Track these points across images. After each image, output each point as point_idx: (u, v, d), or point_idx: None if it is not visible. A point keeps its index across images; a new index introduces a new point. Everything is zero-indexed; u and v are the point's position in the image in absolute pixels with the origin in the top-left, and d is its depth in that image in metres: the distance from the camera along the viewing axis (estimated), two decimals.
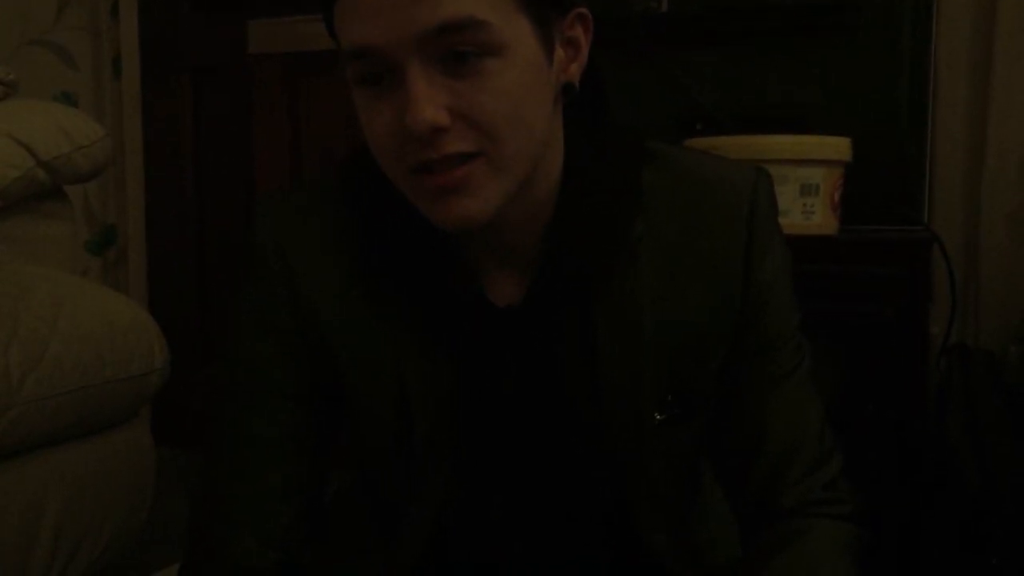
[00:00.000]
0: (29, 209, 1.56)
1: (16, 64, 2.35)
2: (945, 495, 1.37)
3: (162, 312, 2.05)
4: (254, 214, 0.85)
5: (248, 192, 2.50)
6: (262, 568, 0.84)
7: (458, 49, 0.68)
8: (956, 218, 1.72)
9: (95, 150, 1.58)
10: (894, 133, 1.69)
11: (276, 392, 0.85)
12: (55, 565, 1.30)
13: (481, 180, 0.71)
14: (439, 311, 0.80)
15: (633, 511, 0.85)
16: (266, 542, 0.85)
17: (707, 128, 1.70)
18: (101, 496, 1.39)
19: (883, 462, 1.44)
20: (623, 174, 0.80)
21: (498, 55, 0.69)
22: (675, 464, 0.86)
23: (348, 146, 2.34)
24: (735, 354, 0.83)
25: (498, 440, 0.84)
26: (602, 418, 0.82)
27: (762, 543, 0.83)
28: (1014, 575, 1.20)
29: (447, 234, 0.78)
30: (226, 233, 2.55)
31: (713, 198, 0.82)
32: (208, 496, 0.87)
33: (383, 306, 0.81)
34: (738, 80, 1.77)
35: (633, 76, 1.79)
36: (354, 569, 0.91)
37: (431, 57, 0.68)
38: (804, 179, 1.49)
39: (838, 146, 1.52)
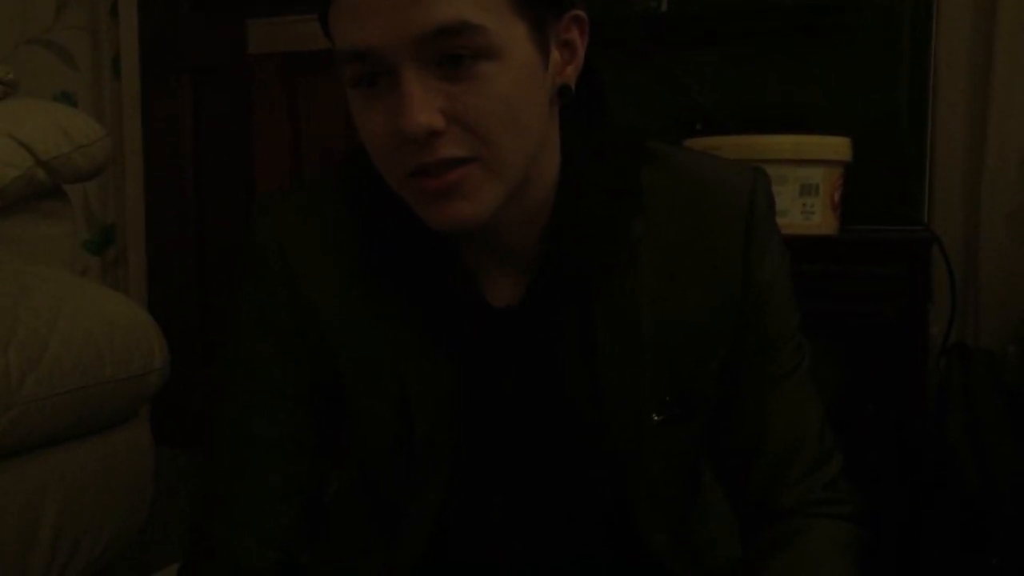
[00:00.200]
0: (29, 209, 1.56)
1: (15, 64, 2.35)
2: (945, 495, 1.37)
3: (162, 312, 2.05)
4: (254, 214, 0.85)
5: (248, 192, 2.50)
6: (262, 568, 0.84)
7: (453, 52, 0.68)
8: (956, 218, 1.72)
9: (95, 150, 1.58)
10: (894, 133, 1.69)
11: (276, 392, 0.85)
12: (54, 565, 1.30)
13: (476, 183, 0.71)
14: (438, 312, 0.81)
15: (633, 511, 0.85)
16: (266, 542, 0.85)
17: (707, 128, 1.70)
18: (101, 496, 1.39)
19: (883, 462, 1.44)
20: (621, 174, 0.80)
21: (493, 58, 0.69)
22: (675, 464, 0.86)
23: (348, 146, 2.34)
24: (735, 354, 0.83)
25: (498, 440, 0.84)
26: (602, 418, 0.82)
27: (762, 543, 0.83)
28: (1014, 575, 1.20)
29: (445, 235, 0.78)
30: (226, 233, 2.55)
31: (712, 198, 0.82)
32: (208, 496, 0.87)
33: (383, 306, 0.81)
34: (738, 80, 1.77)
35: (633, 76, 1.79)
36: (354, 569, 0.91)
37: (426, 60, 0.68)
38: (804, 179, 1.49)
39: (838, 146, 1.52)
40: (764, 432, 0.84)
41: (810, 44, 1.72)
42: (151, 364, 1.44)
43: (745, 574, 0.83)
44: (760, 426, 0.84)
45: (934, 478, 1.41)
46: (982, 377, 1.48)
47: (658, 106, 1.78)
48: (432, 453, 0.83)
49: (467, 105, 0.69)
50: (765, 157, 1.45)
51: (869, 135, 1.63)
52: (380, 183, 0.76)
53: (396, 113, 0.69)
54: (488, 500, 0.86)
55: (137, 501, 1.47)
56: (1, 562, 1.22)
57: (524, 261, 0.81)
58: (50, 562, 1.30)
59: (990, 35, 1.66)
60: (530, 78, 0.72)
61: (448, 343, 0.81)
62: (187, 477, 2.07)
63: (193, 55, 2.54)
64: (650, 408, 0.81)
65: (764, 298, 0.82)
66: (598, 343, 0.80)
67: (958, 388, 1.46)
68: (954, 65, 1.70)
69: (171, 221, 2.61)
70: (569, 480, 0.85)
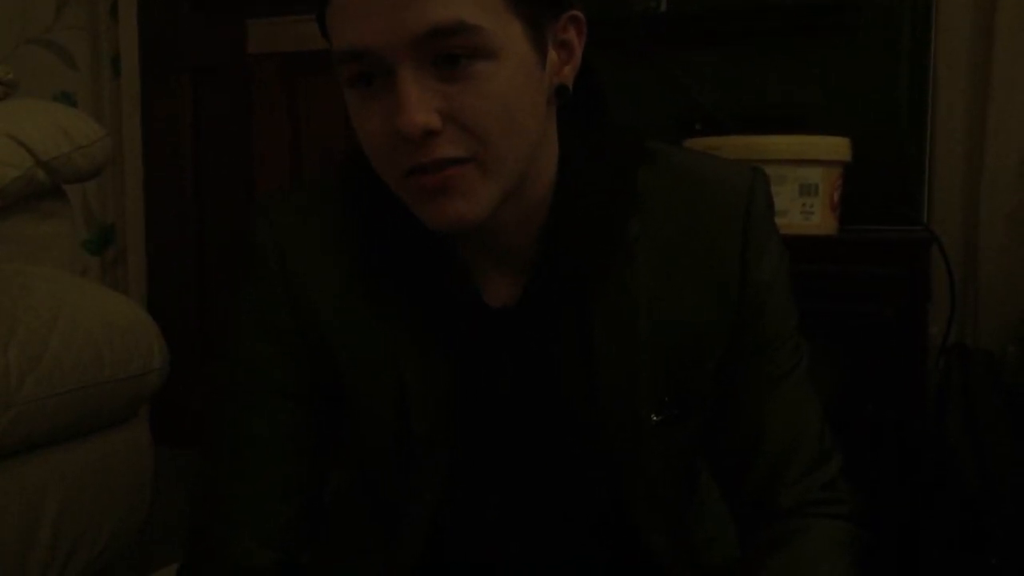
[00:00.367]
0: (28, 209, 1.56)
1: (15, 64, 2.35)
2: (944, 495, 1.37)
3: (161, 312, 2.05)
4: (253, 214, 0.85)
5: (248, 192, 2.50)
6: (262, 568, 0.84)
7: (449, 52, 0.68)
8: (956, 218, 1.72)
9: (95, 150, 1.58)
10: (894, 133, 1.69)
11: (276, 392, 0.85)
12: (54, 564, 1.30)
13: (472, 182, 0.71)
14: (436, 312, 0.81)
15: (630, 511, 0.85)
16: (266, 542, 0.85)
17: (707, 128, 1.70)
18: (100, 496, 1.39)
19: (883, 462, 1.44)
20: (619, 174, 0.80)
21: (490, 58, 0.69)
22: (672, 464, 0.86)
23: (347, 146, 2.34)
24: (732, 354, 0.83)
25: (495, 440, 0.84)
26: (599, 418, 0.82)
27: (760, 543, 0.83)
28: (1014, 575, 1.21)
29: (443, 235, 0.78)
30: (226, 233, 2.55)
31: (710, 198, 0.82)
32: (208, 496, 0.87)
33: (382, 306, 0.81)
34: (738, 80, 1.77)
35: (633, 76, 1.79)
36: (353, 569, 0.91)
37: (423, 60, 0.68)
38: (803, 179, 1.49)
39: (837, 146, 1.52)
40: (762, 432, 0.84)
41: (810, 44, 1.72)
42: (151, 364, 1.44)
43: (743, 574, 0.83)
44: (758, 426, 0.84)
45: (934, 478, 1.41)
46: (982, 377, 1.48)
47: (658, 106, 1.78)
48: (430, 453, 0.83)
49: (464, 105, 0.69)
50: (765, 157, 1.45)
51: (869, 135, 1.63)
52: (379, 183, 0.76)
53: (393, 113, 0.69)
54: (486, 500, 0.86)
55: (137, 501, 1.47)
56: (1, 562, 1.22)
57: (521, 261, 0.81)
58: (50, 562, 1.30)
59: (990, 35, 1.66)
60: (527, 78, 0.72)
61: (446, 343, 0.81)
62: (187, 477, 2.07)
63: (193, 55, 2.54)
64: (648, 408, 0.81)
65: (762, 298, 0.82)
66: (595, 343, 0.80)
67: (958, 388, 1.46)
68: (954, 65, 1.70)
69: (171, 221, 2.61)
70: (566, 480, 0.85)
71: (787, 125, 1.56)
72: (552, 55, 0.75)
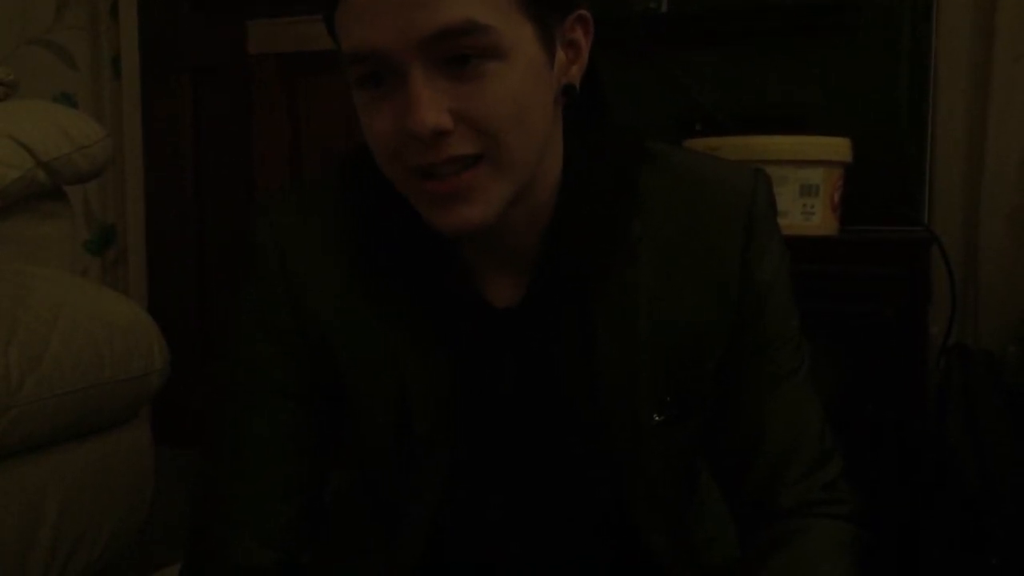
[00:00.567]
0: (29, 209, 1.56)
1: (16, 64, 2.35)
2: (945, 495, 1.37)
3: (162, 312, 2.05)
4: (254, 214, 0.85)
5: (248, 192, 2.50)
6: (263, 568, 0.84)
7: (460, 53, 0.68)
8: (956, 218, 1.72)
9: (95, 150, 1.58)
10: (894, 133, 1.69)
11: (276, 392, 0.85)
12: (54, 565, 1.30)
13: (484, 184, 0.71)
14: (438, 312, 0.81)
15: (631, 511, 0.85)
16: (266, 542, 0.85)
17: (707, 128, 1.70)
18: (101, 496, 1.39)
19: (883, 462, 1.44)
20: (621, 175, 0.81)
21: (500, 58, 0.69)
22: (673, 464, 0.86)
23: (348, 146, 2.34)
24: (733, 354, 0.83)
25: (496, 440, 0.84)
26: (600, 418, 0.82)
27: (761, 543, 0.83)
28: (1014, 575, 1.20)
29: (446, 236, 0.78)
30: (226, 233, 2.55)
31: (712, 199, 0.82)
32: (208, 496, 0.87)
33: (383, 306, 0.81)
34: (738, 80, 1.77)
35: (633, 76, 1.79)
36: (354, 569, 0.91)
37: (433, 60, 0.68)
38: (804, 180, 1.49)
39: (838, 146, 1.52)
40: (763, 432, 0.84)
41: (810, 44, 1.72)
42: (151, 365, 1.44)
43: (744, 574, 0.83)
44: (759, 426, 0.84)
45: (934, 478, 1.41)
46: (982, 377, 1.48)
47: (658, 106, 1.78)
48: (431, 453, 0.83)
49: (475, 105, 0.69)
50: (765, 157, 1.45)
51: (869, 135, 1.63)
52: (380, 183, 0.76)
53: (403, 113, 0.69)
54: (487, 500, 0.86)
55: (137, 501, 1.48)
56: (1, 562, 1.22)
57: (524, 262, 0.81)
58: (50, 562, 1.30)
59: (990, 35, 1.66)
60: (537, 77, 0.72)
61: (447, 343, 0.81)
62: (187, 477, 2.07)
63: (193, 55, 2.54)
64: (649, 408, 0.81)
65: (763, 298, 0.82)
66: (596, 343, 0.80)
67: (958, 388, 1.46)
68: (954, 65, 1.70)
69: (171, 221, 2.61)
70: (567, 480, 0.85)
71: (787, 125, 1.56)
72: (560, 54, 0.75)
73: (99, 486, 1.38)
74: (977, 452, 1.34)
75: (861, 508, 0.85)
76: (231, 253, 2.53)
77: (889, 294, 1.45)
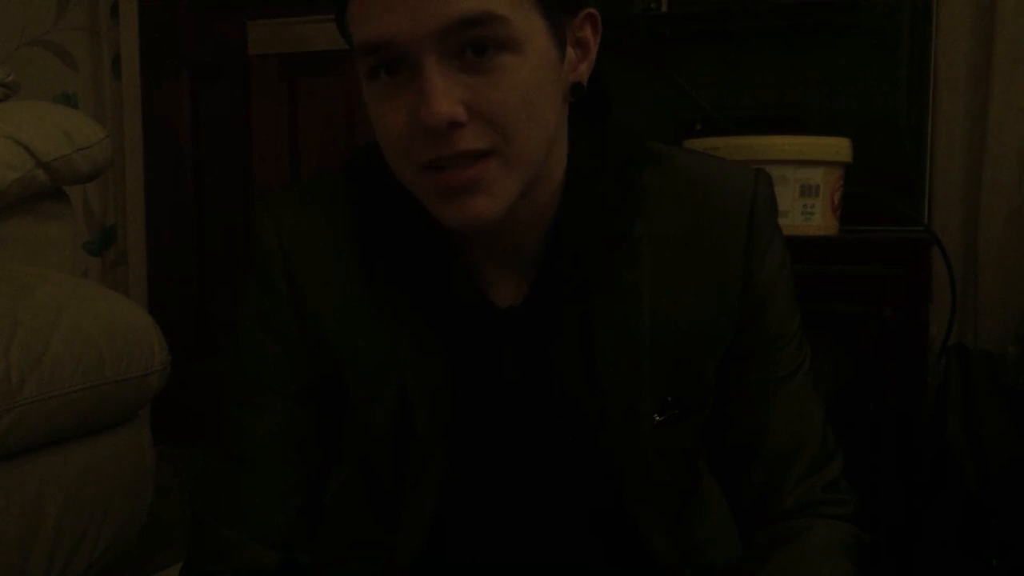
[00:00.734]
0: (29, 210, 1.56)
1: (16, 65, 2.36)
2: (945, 495, 1.37)
3: (162, 312, 2.05)
4: (257, 213, 0.85)
5: (247, 192, 2.51)
6: (264, 568, 0.85)
7: (476, 43, 0.68)
8: (956, 218, 1.72)
9: (95, 151, 1.58)
10: (894, 133, 1.69)
11: (278, 391, 0.85)
12: (54, 565, 1.30)
13: (494, 178, 0.71)
14: (441, 311, 0.81)
15: (632, 511, 0.85)
16: (267, 542, 0.85)
17: (707, 128, 1.70)
18: (101, 496, 1.38)
19: (883, 462, 1.44)
20: (624, 175, 0.81)
21: (514, 51, 0.69)
22: (673, 464, 0.86)
23: (347, 146, 2.34)
24: (735, 354, 0.83)
25: (497, 440, 0.84)
26: (601, 418, 0.82)
27: (762, 543, 0.83)
28: (1014, 575, 1.21)
29: (449, 234, 0.78)
30: (226, 233, 2.55)
31: (713, 199, 0.82)
32: (209, 495, 0.87)
33: (385, 305, 0.81)
34: (738, 80, 1.77)
35: (633, 76, 1.79)
36: (354, 568, 0.91)
37: (448, 52, 0.68)
38: (804, 180, 1.49)
39: (838, 147, 1.52)
40: (765, 432, 0.84)
41: (810, 44, 1.72)
42: (151, 365, 1.44)
43: (745, 574, 0.83)
44: (761, 426, 0.84)
45: (934, 478, 1.41)
46: (982, 377, 1.48)
47: (658, 106, 1.78)
48: (432, 452, 0.83)
49: (488, 97, 0.69)
50: (765, 157, 1.45)
51: (869, 135, 1.63)
52: (384, 182, 0.77)
53: (416, 104, 0.69)
54: (486, 499, 0.86)
55: (137, 502, 1.47)
56: (1, 563, 1.22)
57: (526, 261, 0.81)
58: (50, 562, 1.30)
59: (990, 35, 1.66)
60: (548, 73, 0.72)
61: (450, 342, 0.81)
62: (187, 477, 2.07)
63: (193, 55, 2.54)
64: (649, 408, 0.82)
65: (764, 299, 0.82)
66: (598, 342, 0.80)
67: (958, 388, 1.46)
68: (954, 65, 1.70)
69: (171, 221, 2.61)
70: (568, 480, 0.85)
71: (787, 125, 1.56)
72: (569, 52, 0.75)
73: (99, 486, 1.38)
74: (977, 452, 1.34)
75: (861, 508, 0.85)
76: (231, 253, 2.53)
77: (889, 294, 1.45)
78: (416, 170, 0.72)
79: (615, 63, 0.81)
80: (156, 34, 2.56)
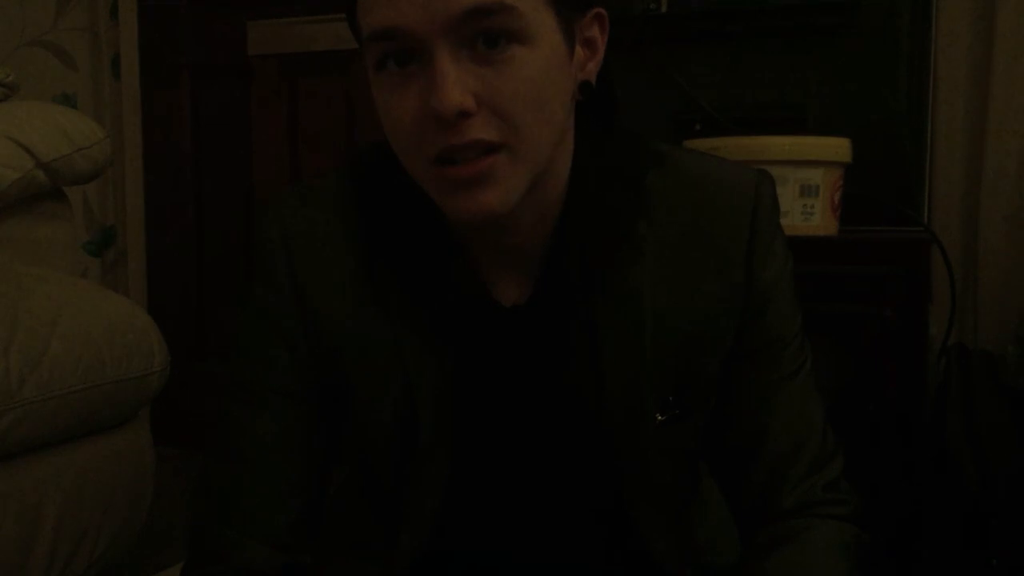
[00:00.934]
0: (28, 210, 1.56)
1: (16, 65, 2.36)
2: (945, 495, 1.38)
3: (162, 312, 2.05)
4: (260, 213, 0.85)
5: (247, 193, 2.51)
6: (265, 569, 0.84)
7: (488, 33, 0.68)
8: (956, 218, 1.72)
9: (95, 151, 1.58)
10: (894, 133, 1.69)
11: (280, 391, 0.84)
12: (54, 565, 1.30)
13: (503, 171, 0.71)
14: (445, 310, 0.81)
15: (632, 511, 0.85)
16: (269, 543, 0.85)
17: (707, 128, 1.70)
18: (101, 496, 1.39)
19: (883, 462, 1.44)
20: (628, 175, 0.81)
21: (525, 43, 0.69)
22: (675, 464, 0.86)
23: (347, 146, 2.35)
24: (737, 354, 0.83)
25: (500, 439, 0.84)
26: (603, 417, 0.82)
27: (762, 543, 0.83)
28: (1014, 575, 1.21)
29: (453, 234, 0.78)
30: (225, 234, 2.55)
31: (716, 200, 0.82)
32: (210, 496, 0.87)
33: (390, 304, 0.81)
34: (738, 80, 1.77)
35: (633, 76, 1.79)
36: (355, 568, 0.91)
37: (460, 41, 0.68)
38: (804, 180, 1.49)
39: (838, 146, 1.52)
40: (765, 432, 0.84)
41: (810, 44, 1.72)
42: (151, 366, 1.44)
43: (745, 574, 0.83)
44: (762, 426, 0.84)
45: (934, 478, 1.41)
46: (982, 377, 1.48)
47: (658, 106, 1.79)
48: (435, 451, 0.83)
49: (498, 89, 0.69)
50: (765, 158, 1.45)
51: (869, 135, 1.63)
52: (389, 181, 0.77)
53: (426, 94, 0.69)
54: (489, 498, 0.86)
55: (137, 502, 1.48)
56: (1, 562, 1.22)
57: (530, 261, 0.81)
58: (50, 562, 1.30)
59: (990, 35, 1.66)
60: (558, 68, 0.72)
61: (454, 341, 0.81)
62: (187, 477, 2.07)
63: (193, 55, 2.54)
64: (652, 408, 0.82)
65: (767, 299, 0.82)
66: (602, 342, 0.80)
67: (958, 388, 1.46)
68: (954, 65, 1.70)
69: (171, 222, 2.61)
70: (569, 479, 0.85)
71: (787, 125, 1.56)
72: (578, 50, 0.76)
73: (99, 488, 1.38)
74: (977, 452, 1.34)
75: (862, 508, 0.85)
76: (231, 253, 2.54)
77: (889, 294, 1.45)
78: (426, 164, 0.72)
79: (615, 63, 0.82)
80: (156, 34, 2.56)
